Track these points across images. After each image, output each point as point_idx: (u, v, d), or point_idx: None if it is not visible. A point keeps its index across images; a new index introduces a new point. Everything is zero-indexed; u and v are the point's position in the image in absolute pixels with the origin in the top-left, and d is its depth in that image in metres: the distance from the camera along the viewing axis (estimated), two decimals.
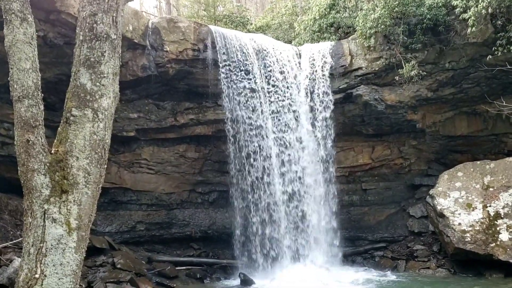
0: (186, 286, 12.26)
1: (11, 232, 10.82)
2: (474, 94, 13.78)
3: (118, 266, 11.44)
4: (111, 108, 5.23)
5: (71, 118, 4.95)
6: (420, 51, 13.02)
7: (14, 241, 9.05)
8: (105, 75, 5.09)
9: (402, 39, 12.89)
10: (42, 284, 4.58)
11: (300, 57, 14.32)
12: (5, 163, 11.89)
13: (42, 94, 4.96)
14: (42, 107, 4.91)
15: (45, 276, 4.61)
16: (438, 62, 13.18)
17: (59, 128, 5.02)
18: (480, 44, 12.31)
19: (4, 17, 4.92)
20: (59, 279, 4.66)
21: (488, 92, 13.31)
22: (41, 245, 4.66)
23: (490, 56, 11.92)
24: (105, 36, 5.11)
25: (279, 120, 13.61)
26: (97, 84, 5.05)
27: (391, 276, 12.65)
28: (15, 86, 4.79)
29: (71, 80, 5.09)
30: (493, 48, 11.76)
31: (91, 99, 5.01)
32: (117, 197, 14.15)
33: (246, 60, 13.28)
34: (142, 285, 10.79)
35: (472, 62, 12.85)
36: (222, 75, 13.04)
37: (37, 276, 4.60)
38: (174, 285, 12.08)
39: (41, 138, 4.81)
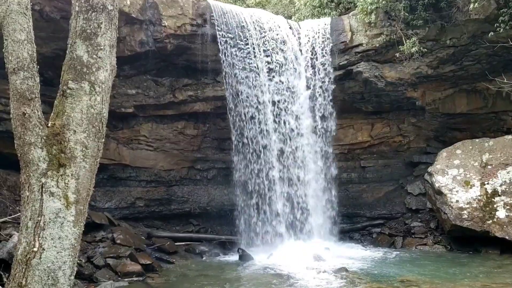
0: (185, 261, 12.36)
1: (10, 208, 10.83)
2: (474, 71, 13.70)
3: (118, 241, 11.50)
4: (108, 81, 5.15)
5: (68, 91, 4.88)
6: (421, 27, 12.87)
7: (13, 216, 9.05)
8: (102, 47, 5.00)
9: (403, 15, 12.72)
10: (40, 258, 4.57)
11: (300, 33, 14.14)
12: (3, 139, 11.82)
13: (38, 67, 4.86)
14: (38, 79, 4.81)
15: (44, 249, 4.60)
16: (439, 39, 13.04)
17: (55, 101, 4.95)
18: (482, 21, 12.15)
19: None
20: (57, 253, 4.65)
21: (489, 69, 13.22)
22: (39, 218, 4.64)
23: (492, 33, 11.78)
24: (101, 7, 5.00)
25: (278, 96, 13.50)
26: (94, 56, 4.96)
27: (388, 252, 12.77)
28: (10, 58, 4.69)
29: (67, 52, 5.00)
30: (495, 25, 11.61)
31: (87, 71, 4.93)
32: (116, 173, 14.15)
33: (245, 35, 13.12)
34: (142, 260, 10.84)
35: (473, 39, 12.73)
36: (221, 51, 12.87)
37: (35, 249, 4.59)
38: (174, 260, 12.18)
39: (38, 111, 4.74)
